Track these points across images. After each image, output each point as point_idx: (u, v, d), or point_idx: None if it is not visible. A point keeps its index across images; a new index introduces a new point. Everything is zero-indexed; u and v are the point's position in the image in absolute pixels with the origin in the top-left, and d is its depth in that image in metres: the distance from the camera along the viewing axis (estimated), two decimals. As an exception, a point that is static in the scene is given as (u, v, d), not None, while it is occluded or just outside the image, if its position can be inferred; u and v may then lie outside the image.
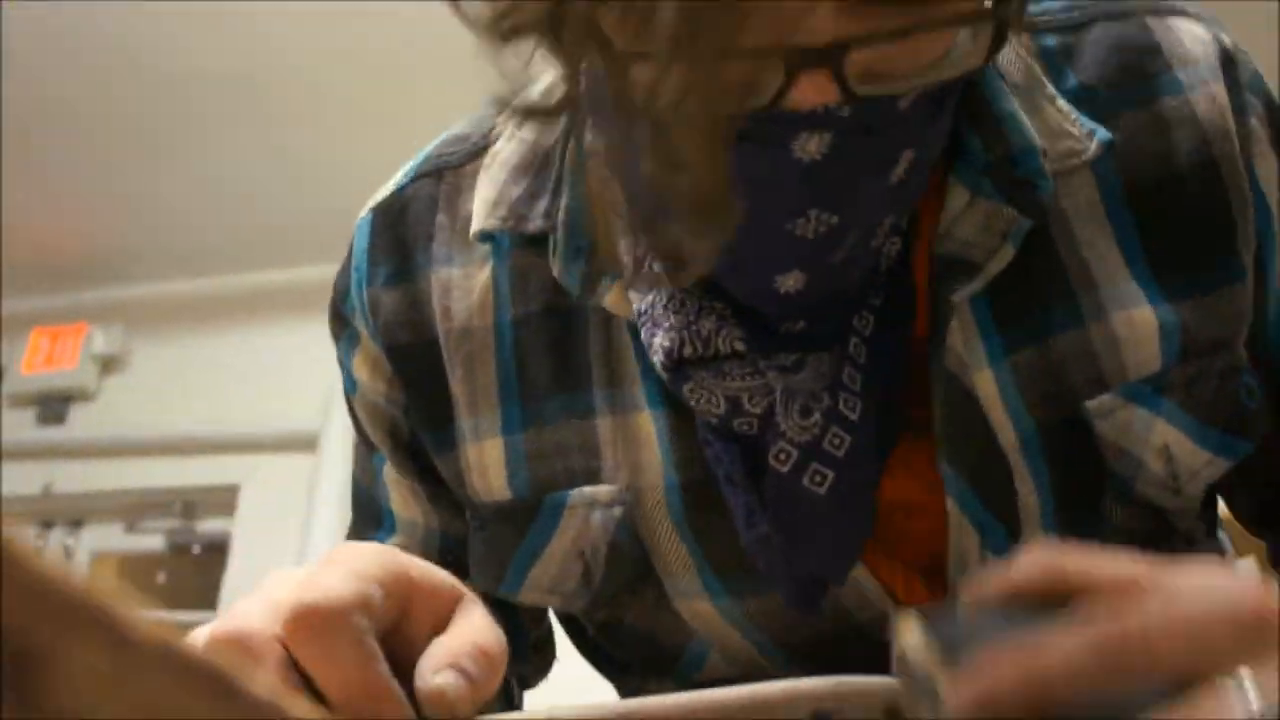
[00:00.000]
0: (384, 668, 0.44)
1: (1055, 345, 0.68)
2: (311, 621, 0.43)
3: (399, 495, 0.82)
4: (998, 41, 0.56)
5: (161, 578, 4.15)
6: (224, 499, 3.93)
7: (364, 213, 0.81)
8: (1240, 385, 0.69)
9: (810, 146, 0.55)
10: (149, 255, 4.09)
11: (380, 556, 0.48)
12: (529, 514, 0.74)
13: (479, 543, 0.77)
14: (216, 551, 3.93)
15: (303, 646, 0.43)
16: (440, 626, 0.48)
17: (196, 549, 4.05)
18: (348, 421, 0.86)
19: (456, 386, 0.76)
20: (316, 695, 0.43)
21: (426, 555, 0.79)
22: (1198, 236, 0.69)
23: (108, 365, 4.19)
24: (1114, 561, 0.40)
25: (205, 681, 0.20)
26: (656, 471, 0.71)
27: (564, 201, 0.72)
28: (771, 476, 0.67)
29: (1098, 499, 0.69)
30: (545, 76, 0.66)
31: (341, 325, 0.81)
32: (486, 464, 0.75)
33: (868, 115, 0.55)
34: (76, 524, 4.12)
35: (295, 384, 3.68)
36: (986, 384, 0.67)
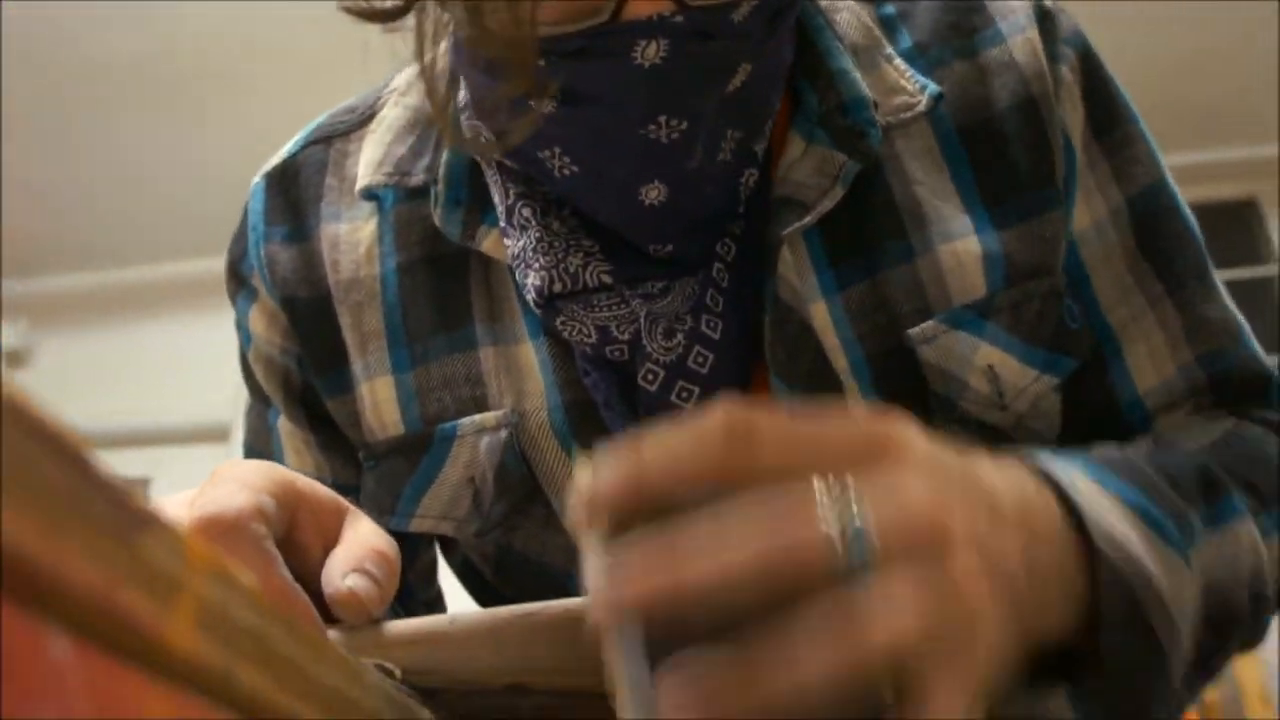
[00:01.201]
0: (285, 571, 0.47)
1: (885, 279, 0.73)
2: (210, 532, 0.45)
3: (292, 447, 0.85)
4: None
5: (72, 573, 4.10)
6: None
7: (257, 179, 0.85)
8: (1063, 307, 0.75)
9: (649, 52, 0.61)
10: (53, 248, 4.04)
11: (266, 470, 0.50)
12: (421, 445, 0.77)
13: (371, 480, 0.80)
14: (127, 545, 3.90)
15: None
16: (328, 538, 0.51)
17: (108, 543, 4.01)
18: (258, 407, 0.88)
19: (347, 333, 0.80)
20: None
21: None
22: (1020, 168, 0.75)
23: (13, 360, 4.13)
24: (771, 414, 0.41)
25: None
26: (540, 395, 0.75)
27: (444, 156, 0.77)
28: (643, 396, 0.71)
29: (926, 419, 0.74)
30: None
31: (239, 284, 0.85)
32: (379, 401, 0.79)
33: (702, 22, 0.61)
34: (-16, 520, 4.05)
35: (205, 374, 3.65)
36: (820, 315, 0.72)
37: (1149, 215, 0.79)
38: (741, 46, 0.63)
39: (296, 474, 0.52)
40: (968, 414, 0.74)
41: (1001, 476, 0.47)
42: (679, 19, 0.60)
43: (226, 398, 3.60)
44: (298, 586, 0.47)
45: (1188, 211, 0.81)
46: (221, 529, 0.45)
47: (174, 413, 3.85)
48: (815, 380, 0.72)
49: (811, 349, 0.72)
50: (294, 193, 0.83)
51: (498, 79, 0.63)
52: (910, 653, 0.36)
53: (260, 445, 0.87)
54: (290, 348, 0.83)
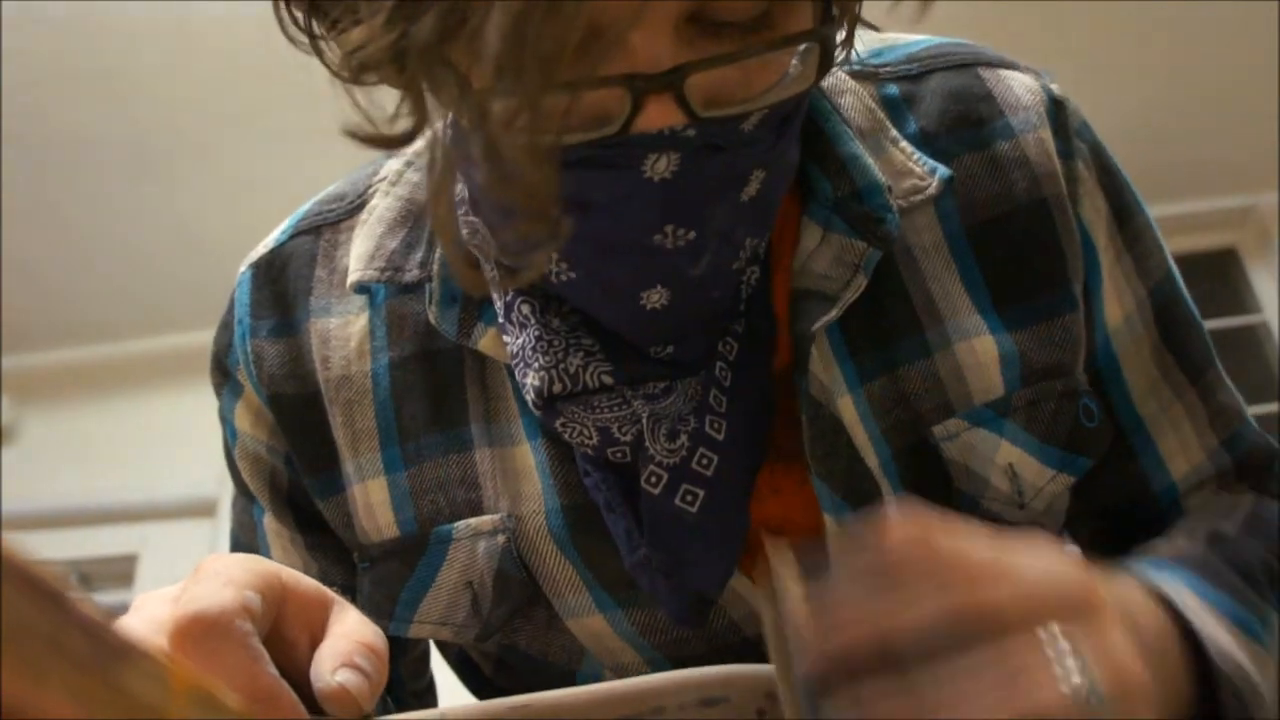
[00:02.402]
0: (273, 669, 0.46)
1: (904, 375, 0.72)
2: (194, 631, 0.45)
3: (278, 545, 0.84)
4: (825, 63, 0.61)
5: (59, 652, 4.06)
6: (122, 569, 3.87)
7: (243, 268, 0.83)
8: (1079, 406, 0.75)
9: (660, 166, 0.59)
10: (36, 323, 4.02)
11: (250, 564, 0.49)
12: (417, 549, 0.76)
13: (367, 583, 0.79)
14: (116, 623, 3.86)
15: (190, 657, 0.44)
16: (315, 630, 0.50)
17: (95, 621, 3.97)
18: (243, 484, 0.87)
19: (338, 432, 0.78)
20: None
21: None
22: (1032, 270, 0.74)
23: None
24: (970, 540, 0.44)
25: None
26: (537, 498, 0.73)
27: (438, 253, 0.76)
28: (645, 499, 0.70)
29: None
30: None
31: (223, 377, 0.83)
32: (372, 503, 0.77)
33: (714, 135, 0.59)
34: (-30, 601, 4.02)
35: (191, 449, 3.63)
36: (848, 409, 0.71)
37: (1167, 306, 0.80)
38: (752, 154, 0.62)
39: (282, 567, 0.51)
40: (989, 512, 0.75)
41: (1140, 608, 0.55)
42: (690, 132, 0.59)
43: (214, 473, 3.58)
44: (284, 684, 0.46)
45: (1189, 297, 0.82)
46: (205, 627, 0.45)
47: (161, 488, 3.83)
48: (852, 479, 0.72)
49: (844, 446, 0.72)
50: (282, 284, 0.81)
51: (511, 219, 0.61)
52: None
53: (247, 538, 0.86)
54: (277, 446, 0.81)
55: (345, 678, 0.47)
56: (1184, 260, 2.41)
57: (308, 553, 0.83)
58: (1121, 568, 0.59)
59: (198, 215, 3.49)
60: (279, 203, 0.85)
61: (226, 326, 0.83)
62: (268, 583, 0.49)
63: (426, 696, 0.92)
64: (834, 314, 0.70)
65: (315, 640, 0.50)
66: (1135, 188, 0.80)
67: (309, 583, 0.52)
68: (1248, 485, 0.82)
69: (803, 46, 0.60)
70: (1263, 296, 3.69)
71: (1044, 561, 0.45)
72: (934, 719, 0.39)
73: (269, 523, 0.84)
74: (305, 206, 0.85)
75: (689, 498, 0.69)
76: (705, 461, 0.69)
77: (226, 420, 0.83)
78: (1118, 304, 0.78)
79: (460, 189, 0.73)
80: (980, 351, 0.73)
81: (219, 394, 0.84)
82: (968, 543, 0.44)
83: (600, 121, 0.58)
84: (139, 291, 3.86)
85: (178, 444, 3.79)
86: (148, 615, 0.48)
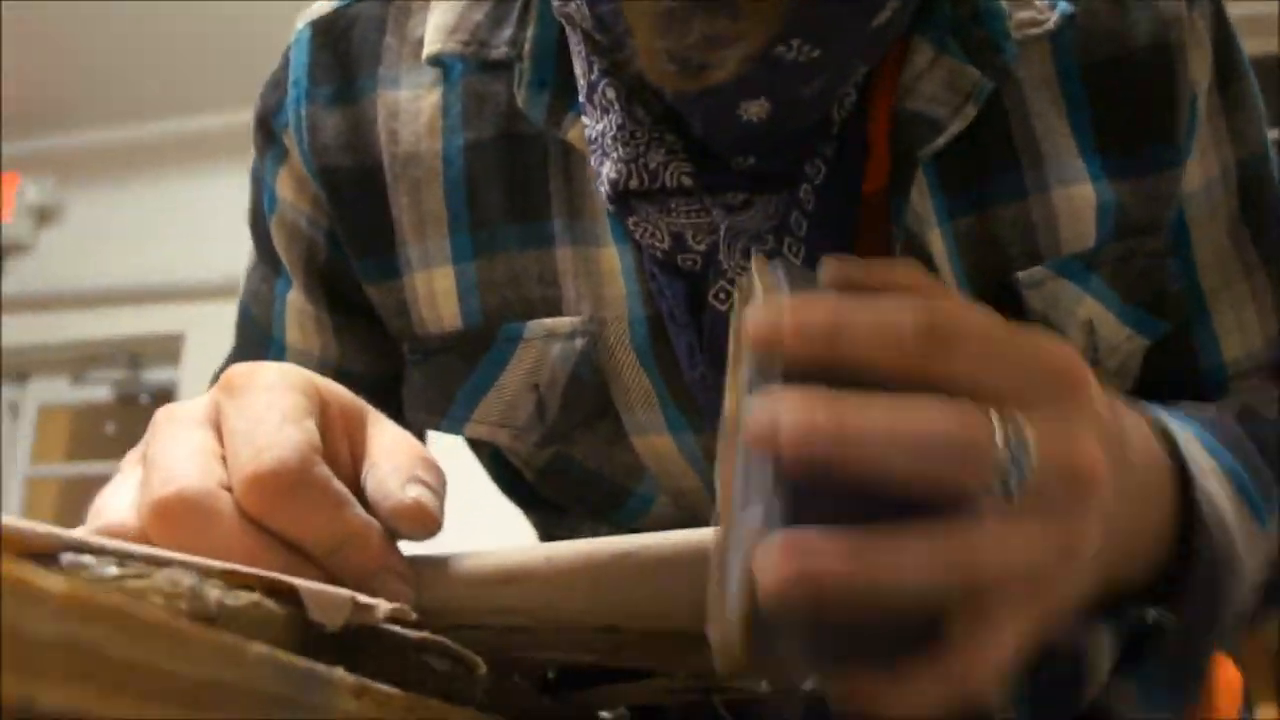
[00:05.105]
0: (359, 508, 0.43)
1: (996, 215, 0.69)
2: (277, 488, 0.41)
3: (298, 324, 0.79)
4: None
5: (110, 428, 4.18)
6: (169, 347, 3.93)
7: (301, 26, 0.77)
8: (1166, 267, 0.72)
9: None
10: (81, 102, 3.98)
11: (290, 379, 0.46)
12: (481, 345, 0.73)
13: (419, 376, 0.76)
14: (164, 400, 3.91)
15: (273, 514, 0.41)
16: (354, 443, 0.47)
17: (144, 398, 4.08)
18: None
19: (401, 213, 0.73)
20: (288, 547, 0.42)
21: None
22: (1144, 118, 0.70)
23: (42, 217, 4.14)
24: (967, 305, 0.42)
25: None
26: (621, 305, 0.70)
27: (531, 31, 0.70)
28: (710, 315, 0.67)
29: None
30: None
31: (268, 139, 0.77)
32: (435, 292, 0.73)
33: None
34: (22, 378, 4.12)
35: (236, 228, 3.60)
36: (937, 243, 0.68)
37: (1254, 180, 0.75)
38: None
39: (316, 375, 0.47)
40: None
41: (1137, 431, 0.51)
42: None
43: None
44: (372, 521, 0.43)
45: None
46: (287, 483, 0.41)
47: (206, 267, 3.83)
48: None
49: None
50: (346, 49, 0.75)
51: None
52: (1002, 590, 0.38)
53: (259, 311, 0.82)
54: (320, 220, 0.76)
55: (418, 493, 0.43)
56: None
57: (333, 335, 0.79)
58: (1133, 401, 0.54)
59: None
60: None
61: (277, 85, 0.77)
62: (312, 400, 0.45)
63: None
64: (940, 142, 0.66)
65: (355, 453, 0.47)
66: (1246, 56, 0.75)
67: (344, 392, 0.48)
68: None
69: None
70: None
71: (1039, 339, 0.41)
72: (841, 430, 0.36)
73: (294, 298, 0.79)
74: None
75: None
76: None
77: (265, 184, 0.79)
78: (1199, 167, 0.73)
79: None
80: (1077, 199, 0.69)
81: (260, 155, 0.79)
82: (963, 304, 0.41)
83: None
84: (184, 69, 3.80)
85: (223, 222, 3.77)
86: (194, 448, 0.43)
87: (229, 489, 0.41)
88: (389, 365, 0.78)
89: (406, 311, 0.74)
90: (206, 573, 0.32)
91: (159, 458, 0.42)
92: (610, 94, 0.66)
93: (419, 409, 0.76)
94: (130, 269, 3.95)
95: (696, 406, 0.70)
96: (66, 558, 0.30)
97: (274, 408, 0.43)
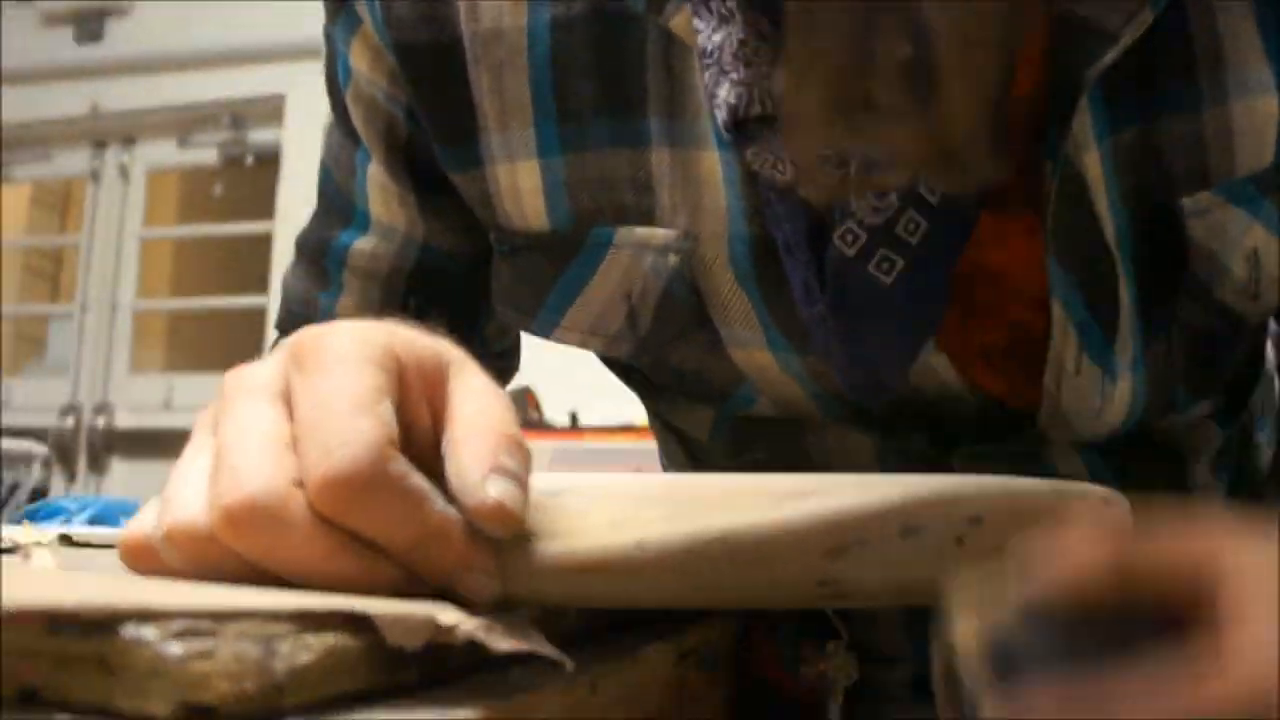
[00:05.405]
0: (439, 501, 0.38)
1: (1162, 129, 0.61)
2: (350, 489, 0.37)
3: (381, 198, 0.75)
4: None
5: (218, 190, 4.20)
6: (272, 109, 3.92)
7: None
8: None
9: None
10: None
11: (369, 360, 0.40)
12: (570, 248, 0.68)
13: (508, 271, 0.72)
14: (269, 161, 3.95)
15: (348, 515, 0.37)
16: (435, 401, 0.42)
17: (249, 160, 4.09)
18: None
19: (483, 98, 0.67)
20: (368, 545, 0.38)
21: (401, 266, 0.77)
22: None
23: (142, -22, 4.09)
24: (1188, 551, 0.33)
25: None
26: (721, 220, 0.64)
27: None
28: (834, 256, 0.61)
29: (1172, 300, 0.65)
30: None
31: (339, 2, 0.71)
32: (520, 188, 0.68)
33: None
34: (129, 142, 4.14)
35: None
36: (1094, 166, 0.61)
37: None
38: None
39: (393, 335, 0.42)
40: (1219, 302, 0.65)
41: None
42: None
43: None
44: (454, 514, 0.38)
45: None
46: (363, 483, 0.37)
47: (307, 28, 3.76)
48: (1092, 261, 0.62)
49: (1087, 217, 0.62)
50: None
51: None
52: None
53: (342, 177, 0.77)
54: (399, 96, 0.71)
55: (500, 490, 0.38)
56: None
57: (418, 213, 0.74)
58: None
59: None
60: None
61: None
62: (388, 372, 0.40)
63: (510, 358, 0.86)
64: (1112, 55, 0.58)
65: (437, 413, 0.42)
66: None
67: (423, 345, 0.43)
68: None
69: None
70: None
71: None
72: None
73: (375, 173, 0.74)
74: None
75: (885, 265, 0.61)
76: (912, 227, 0.61)
77: (337, 52, 0.73)
78: None
79: None
80: (1260, 113, 0.61)
81: (330, 19, 0.72)
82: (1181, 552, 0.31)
83: None
84: None
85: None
86: (265, 443, 0.39)
87: (300, 483, 0.38)
88: (478, 245, 0.74)
89: (490, 204, 0.70)
90: (275, 618, 0.31)
91: (229, 448, 0.39)
92: (732, 2, 0.59)
93: (508, 306, 0.73)
94: (231, 30, 3.90)
95: (801, 331, 0.66)
96: (127, 631, 0.28)
97: (344, 392, 0.38)
